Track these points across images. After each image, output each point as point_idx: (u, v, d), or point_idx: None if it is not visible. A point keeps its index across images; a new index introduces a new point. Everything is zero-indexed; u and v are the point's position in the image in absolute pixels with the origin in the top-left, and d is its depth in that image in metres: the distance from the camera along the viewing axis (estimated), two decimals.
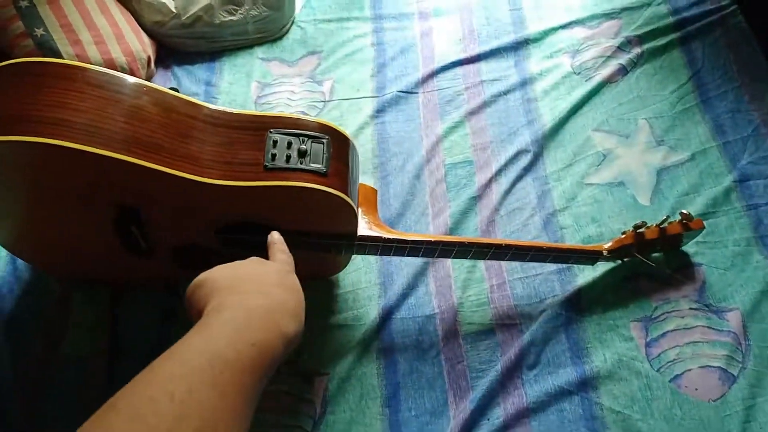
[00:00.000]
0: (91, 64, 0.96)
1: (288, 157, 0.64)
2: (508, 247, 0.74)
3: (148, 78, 1.07)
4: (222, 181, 0.62)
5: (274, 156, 0.64)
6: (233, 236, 0.71)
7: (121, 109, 0.60)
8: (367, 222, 0.74)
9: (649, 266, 0.79)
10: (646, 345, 0.76)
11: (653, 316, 0.78)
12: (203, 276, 0.49)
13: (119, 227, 0.69)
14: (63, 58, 0.93)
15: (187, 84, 1.06)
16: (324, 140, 0.66)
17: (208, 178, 0.62)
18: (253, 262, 0.53)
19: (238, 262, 0.51)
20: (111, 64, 0.99)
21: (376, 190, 0.78)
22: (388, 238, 0.72)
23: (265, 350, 0.40)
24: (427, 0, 1.16)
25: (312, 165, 0.64)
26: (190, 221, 0.69)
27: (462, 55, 1.07)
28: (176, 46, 1.10)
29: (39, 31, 0.93)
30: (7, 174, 0.63)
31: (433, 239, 0.73)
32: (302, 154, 0.65)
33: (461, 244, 0.73)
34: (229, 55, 1.10)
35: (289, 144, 0.65)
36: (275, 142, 0.65)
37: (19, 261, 0.83)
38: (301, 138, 0.66)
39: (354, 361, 0.77)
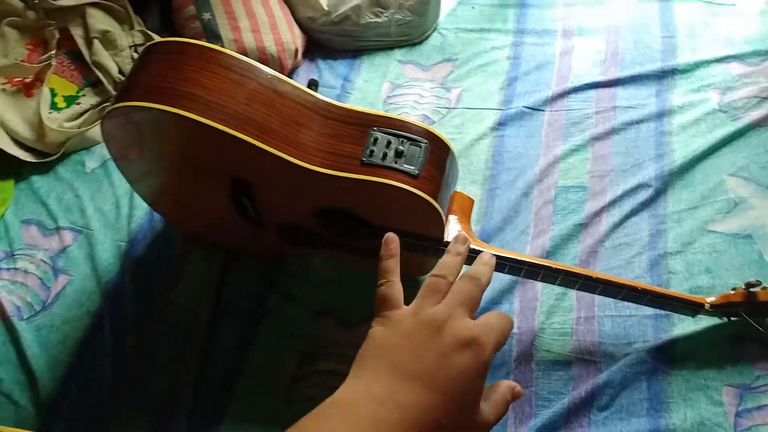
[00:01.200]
0: (246, 49, 1.09)
1: (384, 155, 0.69)
2: (599, 280, 0.72)
3: (294, 68, 1.18)
4: (321, 168, 0.68)
5: (371, 152, 0.69)
6: (329, 221, 0.78)
7: (244, 91, 0.68)
8: (456, 229, 0.76)
9: (758, 331, 0.72)
10: (737, 414, 0.71)
11: (752, 385, 0.72)
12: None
13: (233, 196, 0.78)
14: (223, 42, 1.07)
15: (327, 77, 1.15)
16: (422, 144, 0.70)
17: (308, 164, 0.68)
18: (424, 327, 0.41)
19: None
20: (262, 51, 1.10)
21: (473, 201, 0.80)
22: (474, 249, 0.74)
23: None
24: (573, 18, 1.15)
25: (405, 166, 0.68)
26: (291, 201, 0.76)
27: (599, 78, 1.05)
28: (323, 42, 1.20)
29: (206, 16, 1.07)
30: (146, 136, 0.74)
31: (519, 258, 0.74)
32: (398, 154, 0.69)
33: (548, 268, 0.73)
34: (369, 54, 1.18)
35: (389, 143, 0.69)
36: (375, 140, 0.70)
37: (156, 214, 0.96)
38: (401, 139, 0.70)
39: None
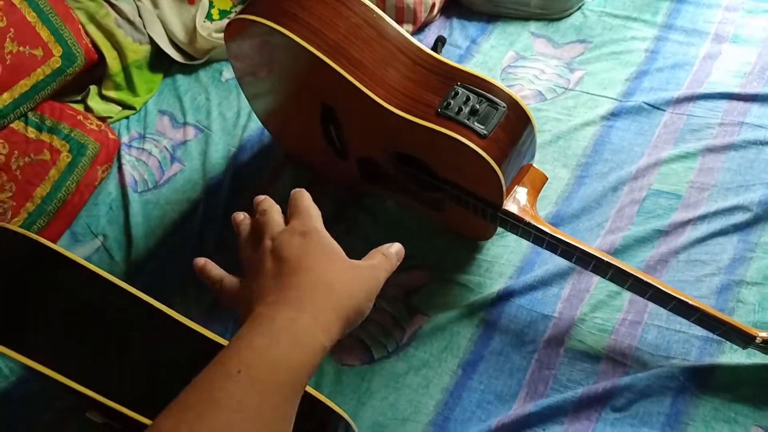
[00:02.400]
0: None
1: (459, 110, 0.73)
2: (649, 285, 0.71)
3: (428, 22, 1.23)
4: (395, 109, 0.74)
5: (447, 105, 0.73)
6: (401, 165, 0.84)
7: (347, 24, 0.76)
8: (519, 201, 0.79)
9: None
10: None
11: None
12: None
13: (322, 122, 0.87)
14: None
15: (456, 36, 1.20)
16: (500, 108, 0.73)
17: (386, 102, 0.74)
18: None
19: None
20: (399, 2, 1.17)
21: (546, 178, 0.82)
22: (529, 223, 0.77)
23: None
24: (730, 23, 1.09)
25: (476, 124, 0.72)
26: (369, 137, 0.83)
27: (736, 90, 0.99)
28: (464, 1, 1.24)
29: None
30: (258, 53, 0.84)
31: (573, 242, 0.75)
32: (473, 112, 0.73)
33: (598, 259, 0.74)
34: (504, 22, 1.20)
35: (467, 99, 0.73)
36: (456, 94, 0.74)
37: (266, 130, 1.08)
38: (480, 98, 0.74)
39: (456, 317, 0.84)
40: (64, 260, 0.57)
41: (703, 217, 0.87)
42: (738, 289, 0.80)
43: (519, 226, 0.78)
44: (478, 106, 0.73)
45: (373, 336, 0.84)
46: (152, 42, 1.18)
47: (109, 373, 0.55)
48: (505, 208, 0.78)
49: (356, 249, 0.93)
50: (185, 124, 1.12)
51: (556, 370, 0.78)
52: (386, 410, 0.79)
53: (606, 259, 0.73)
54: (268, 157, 1.06)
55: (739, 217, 0.86)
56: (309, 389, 0.56)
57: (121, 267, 0.96)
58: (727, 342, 0.76)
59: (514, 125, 0.75)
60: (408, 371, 0.81)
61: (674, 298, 0.72)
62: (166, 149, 1.10)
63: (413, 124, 0.74)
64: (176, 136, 1.11)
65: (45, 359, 0.52)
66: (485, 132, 0.72)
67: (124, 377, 0.55)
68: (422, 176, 0.83)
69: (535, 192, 0.81)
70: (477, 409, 0.77)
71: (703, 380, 0.74)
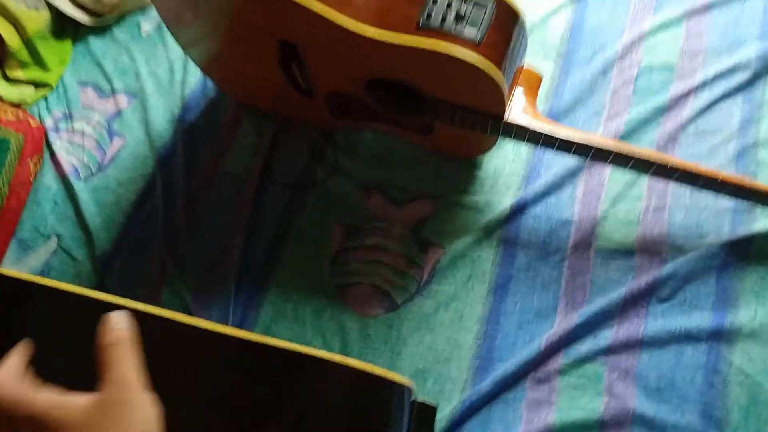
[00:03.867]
0: None
1: (443, 18, 0.64)
2: (675, 168, 0.68)
3: None
4: (371, 32, 0.65)
5: (429, 15, 0.64)
6: (381, 93, 0.75)
7: None
8: (521, 106, 0.73)
9: None
10: None
11: None
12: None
13: (282, 62, 0.77)
14: None
15: None
16: (487, 6, 0.65)
17: (358, 26, 0.65)
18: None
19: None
20: None
21: (541, 78, 0.76)
22: (537, 128, 0.71)
23: None
24: None
25: (467, 30, 0.64)
26: (340, 69, 0.74)
27: None
28: None
29: None
30: None
31: (586, 138, 0.70)
32: (459, 17, 0.64)
33: (619, 149, 0.69)
34: None
35: (449, 4, 0.64)
36: (435, 0, 0.65)
37: (209, 82, 0.97)
38: (462, 0, 0.65)
39: (473, 242, 0.79)
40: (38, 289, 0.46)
41: (702, 85, 0.83)
42: (755, 153, 0.78)
43: (526, 133, 0.72)
44: (463, 10, 0.64)
45: (390, 280, 0.78)
46: (50, 6, 1.02)
47: None
48: (509, 117, 0.71)
49: (345, 191, 0.86)
50: (113, 92, 0.99)
51: (591, 274, 0.75)
52: (425, 354, 0.74)
53: (627, 149, 0.69)
54: (218, 111, 0.95)
55: (739, 78, 0.82)
56: (350, 362, 0.46)
57: (87, 267, 0.85)
58: (758, 207, 0.74)
59: (506, 24, 0.67)
60: (437, 309, 0.76)
61: (704, 175, 0.68)
62: (100, 125, 0.97)
63: (393, 47, 0.65)
64: (107, 108, 0.98)
65: None
66: (479, 37, 0.64)
67: None
68: (408, 102, 0.75)
69: (533, 93, 0.75)
70: (519, 332, 0.74)
71: (743, 252, 0.72)
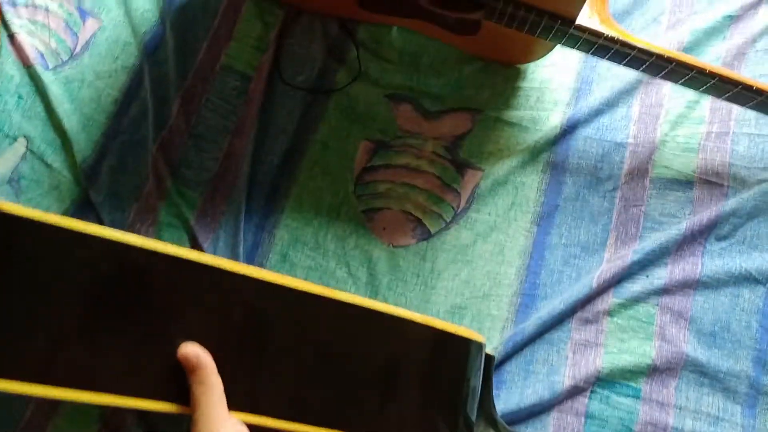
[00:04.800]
0: None
1: None
2: (760, 92, 0.60)
3: None
4: None
5: None
6: None
7: None
8: (591, 10, 0.62)
9: None
10: None
11: None
12: None
13: None
14: None
15: None
16: None
17: None
18: None
19: None
20: None
21: None
22: (610, 37, 0.61)
23: None
24: None
25: None
26: None
27: None
28: None
29: None
30: None
31: (667, 55, 0.60)
32: None
33: (702, 71, 0.60)
34: None
35: None
36: None
37: None
38: None
39: (517, 165, 0.71)
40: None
41: None
42: None
43: (594, 42, 0.62)
44: None
45: (422, 206, 0.70)
46: None
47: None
48: (579, 23, 0.61)
49: (371, 99, 0.75)
50: None
51: (645, 205, 0.69)
52: (461, 289, 0.68)
53: (715, 71, 0.60)
54: None
55: None
56: (430, 321, 0.47)
57: (66, 176, 0.73)
58: None
59: None
60: (475, 240, 0.69)
61: (762, 92, 0.61)
62: (68, 1, 0.80)
63: None
64: None
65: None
66: None
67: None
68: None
69: None
70: (565, 267, 0.68)
71: None
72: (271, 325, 0.42)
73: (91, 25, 0.79)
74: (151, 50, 0.78)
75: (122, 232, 0.38)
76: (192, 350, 0.38)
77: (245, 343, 0.41)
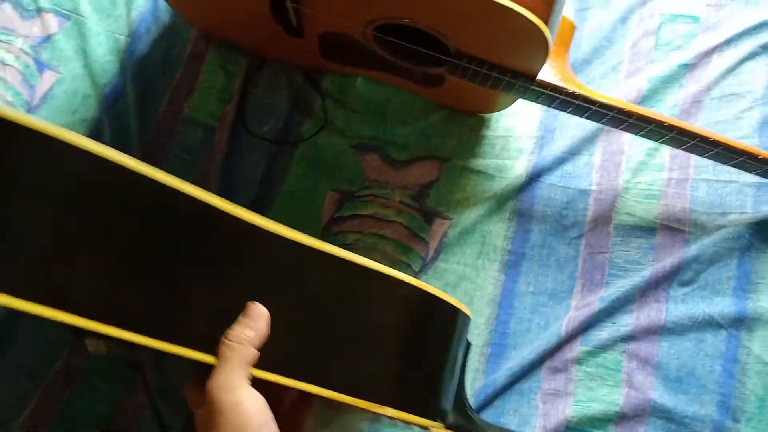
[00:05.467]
0: None
1: None
2: (717, 144, 0.62)
3: None
4: None
5: None
6: (389, 39, 0.64)
7: None
8: (552, 66, 0.64)
9: None
10: None
11: None
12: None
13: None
14: None
15: None
16: None
17: None
18: None
19: None
20: None
21: (574, 26, 0.67)
22: (571, 92, 0.62)
23: None
24: None
25: None
26: (350, 8, 0.62)
27: None
28: None
29: None
30: None
31: (627, 109, 0.62)
32: None
33: (661, 124, 0.62)
34: None
35: None
36: None
37: (161, 2, 0.80)
38: None
39: (483, 214, 0.72)
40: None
41: (728, 41, 0.77)
42: None
43: (556, 97, 0.63)
44: None
45: (390, 257, 0.71)
46: None
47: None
48: (541, 79, 0.62)
49: (341, 152, 0.75)
50: (40, 10, 0.81)
51: (610, 252, 0.70)
52: None
53: (670, 123, 0.62)
54: (176, 41, 0.80)
55: (766, 36, 0.76)
56: (423, 285, 0.49)
57: None
58: None
59: None
60: (444, 289, 0.68)
61: (744, 153, 0.63)
62: (25, 53, 0.79)
63: None
64: (33, 32, 0.80)
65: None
66: None
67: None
68: (423, 53, 0.64)
69: (564, 47, 0.66)
70: (533, 315, 0.69)
71: (765, 232, 0.69)
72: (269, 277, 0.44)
73: (48, 77, 0.78)
74: (111, 103, 0.77)
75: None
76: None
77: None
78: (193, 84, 0.78)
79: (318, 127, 0.76)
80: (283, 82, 0.78)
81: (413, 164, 0.74)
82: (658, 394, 0.65)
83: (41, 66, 0.79)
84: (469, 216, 0.72)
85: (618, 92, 0.76)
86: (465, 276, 0.70)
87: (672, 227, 0.70)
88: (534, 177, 0.73)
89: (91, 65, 0.78)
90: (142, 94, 0.77)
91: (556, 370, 0.67)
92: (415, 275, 0.70)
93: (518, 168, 0.73)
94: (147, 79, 0.78)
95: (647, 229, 0.70)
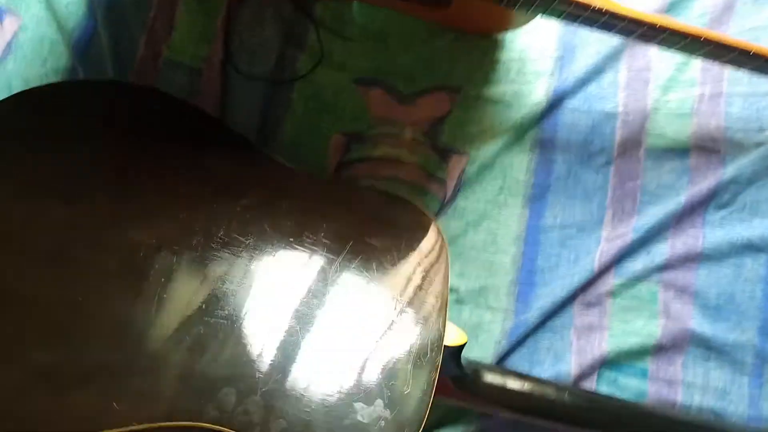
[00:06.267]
0: None
1: None
2: (758, 57, 0.57)
3: None
4: None
5: None
6: None
7: None
8: None
9: None
10: None
11: None
12: None
13: None
14: None
15: None
16: None
17: None
18: None
19: None
20: None
21: None
22: (598, 8, 0.56)
23: None
24: None
25: None
26: None
27: None
28: None
29: None
30: None
31: (659, 24, 0.56)
32: None
33: (697, 38, 0.56)
34: None
35: None
36: None
37: None
38: None
39: (503, 146, 0.67)
40: None
41: None
42: None
43: (579, 14, 0.57)
44: None
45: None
46: None
47: None
48: None
49: (342, 88, 0.69)
50: None
51: (641, 178, 0.66)
52: (456, 283, 0.65)
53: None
54: None
55: None
56: None
57: None
58: None
59: None
60: (466, 230, 0.66)
61: (759, 57, 0.58)
62: None
63: None
64: None
65: None
66: None
67: None
68: None
69: None
70: (562, 250, 0.65)
71: None
72: None
73: (10, 23, 0.70)
74: (83, 49, 0.70)
75: None
76: None
77: None
78: (170, 24, 0.70)
79: (315, 62, 0.69)
80: (270, 14, 0.70)
81: (422, 97, 0.68)
82: (696, 323, 0.62)
83: (1, 12, 0.70)
84: (487, 150, 0.67)
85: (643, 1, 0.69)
86: (486, 214, 0.66)
87: (707, 147, 0.66)
88: (555, 102, 0.67)
89: (54, 7, 0.70)
90: (116, 38, 0.70)
91: (590, 305, 0.64)
92: (435, 216, 0.66)
93: (537, 93, 0.68)
94: (119, 20, 0.70)
95: (680, 151, 0.66)
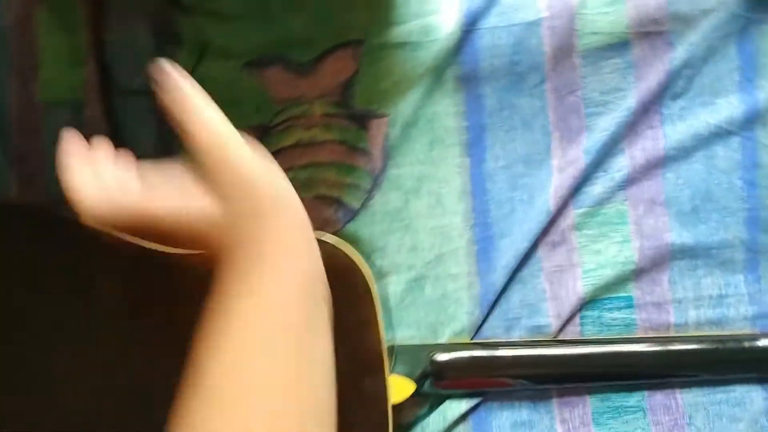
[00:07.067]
0: None
1: None
2: None
3: None
4: None
5: None
6: None
7: None
8: None
9: None
10: None
11: None
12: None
13: None
14: None
15: None
16: None
17: None
18: None
19: None
20: None
21: None
22: None
23: None
24: None
25: None
26: None
27: None
28: None
29: None
30: None
31: None
32: None
33: None
34: None
35: None
36: None
37: None
38: None
39: (422, 95, 0.59)
40: None
41: None
42: None
43: None
44: None
45: (335, 183, 0.60)
46: None
47: None
48: None
49: (234, 77, 0.61)
50: None
51: (582, 88, 0.58)
52: (410, 260, 0.60)
53: None
54: None
55: None
56: None
57: None
58: None
59: None
60: (407, 198, 0.60)
61: None
62: None
63: None
64: None
65: None
66: None
67: None
68: None
69: None
70: (513, 193, 0.59)
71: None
72: None
73: None
74: None
75: None
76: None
77: None
78: (33, 53, 0.63)
79: (196, 56, 0.62)
80: (136, 13, 0.63)
81: (323, 62, 0.60)
82: (675, 234, 0.57)
83: None
84: (406, 104, 0.59)
85: None
86: (424, 176, 0.60)
87: (649, 32, 0.57)
88: (468, 27, 0.59)
89: None
90: None
91: (555, 244, 0.59)
92: (369, 193, 0.60)
93: (447, 22, 0.59)
94: None
95: (619, 45, 0.57)
